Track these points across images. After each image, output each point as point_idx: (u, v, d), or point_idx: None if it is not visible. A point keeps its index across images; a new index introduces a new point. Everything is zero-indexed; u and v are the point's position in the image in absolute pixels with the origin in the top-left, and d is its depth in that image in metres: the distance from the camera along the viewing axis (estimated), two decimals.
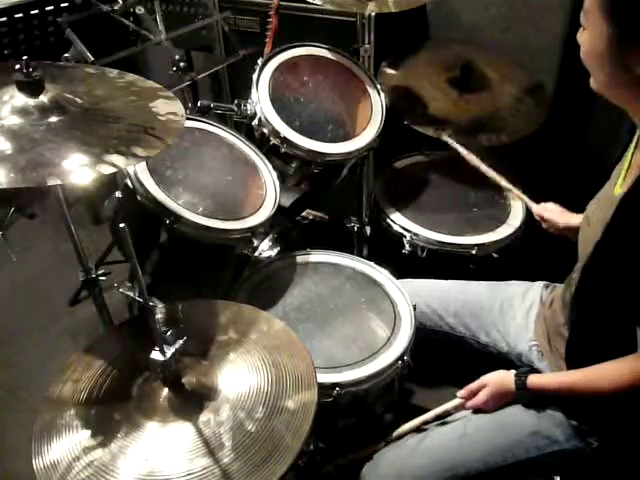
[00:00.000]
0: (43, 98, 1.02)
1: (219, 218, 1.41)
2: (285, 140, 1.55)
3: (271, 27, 1.92)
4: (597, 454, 1.19)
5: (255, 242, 1.51)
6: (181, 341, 1.02)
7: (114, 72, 1.23)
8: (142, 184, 1.35)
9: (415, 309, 1.40)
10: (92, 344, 1.15)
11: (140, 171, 1.37)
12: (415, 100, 1.86)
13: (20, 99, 1.01)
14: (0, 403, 1.95)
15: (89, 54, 1.58)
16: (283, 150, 1.56)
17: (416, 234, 1.65)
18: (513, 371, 1.22)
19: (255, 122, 1.57)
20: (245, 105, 1.59)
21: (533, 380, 1.18)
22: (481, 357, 1.45)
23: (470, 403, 1.26)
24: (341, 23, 1.96)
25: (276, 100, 1.60)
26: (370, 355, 1.30)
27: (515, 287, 1.48)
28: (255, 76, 1.60)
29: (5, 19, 1.65)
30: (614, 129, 1.93)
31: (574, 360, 1.17)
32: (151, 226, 1.39)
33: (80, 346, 1.13)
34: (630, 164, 1.11)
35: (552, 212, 1.52)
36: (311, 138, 1.58)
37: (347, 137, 1.65)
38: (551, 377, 1.21)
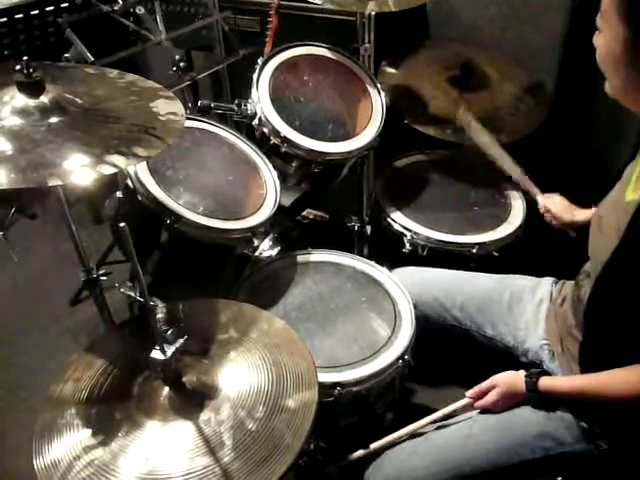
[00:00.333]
0: (43, 99, 1.02)
1: (220, 218, 1.41)
2: (285, 139, 1.55)
3: (271, 27, 1.92)
4: (605, 456, 1.18)
5: (256, 242, 1.52)
6: (182, 340, 1.02)
7: (114, 72, 1.23)
8: (143, 184, 1.36)
9: (416, 307, 1.40)
10: (93, 343, 1.15)
11: (141, 171, 1.37)
12: (415, 99, 1.87)
13: (21, 100, 1.01)
14: (1, 403, 1.95)
15: (89, 54, 1.58)
16: (283, 150, 1.56)
17: (416, 233, 1.65)
18: (523, 372, 1.21)
19: (255, 122, 1.57)
20: (245, 105, 1.60)
21: (544, 382, 1.17)
22: (485, 351, 1.44)
23: (479, 403, 1.25)
24: (341, 22, 1.96)
25: (276, 100, 1.60)
26: (371, 354, 1.30)
27: (524, 281, 1.46)
28: (255, 76, 1.60)
29: (5, 19, 1.65)
30: (614, 128, 1.94)
31: (588, 364, 1.16)
32: (152, 226, 1.39)
33: (81, 345, 1.14)
34: None
35: (558, 205, 1.51)
36: (311, 137, 1.58)
37: (347, 136, 1.65)
38: (562, 380, 1.20)
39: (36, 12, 1.70)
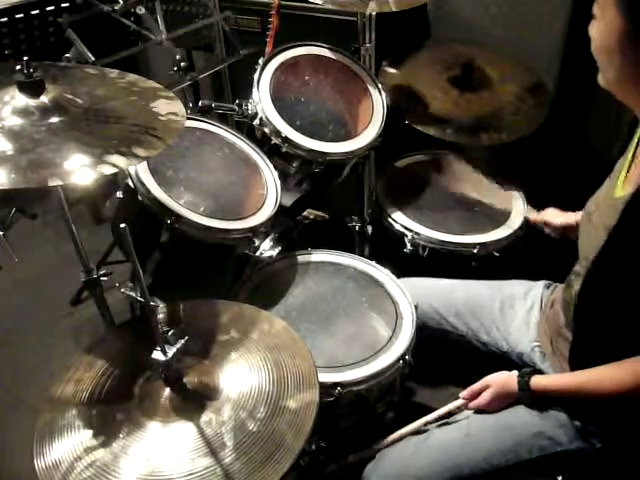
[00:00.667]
0: (44, 98, 1.02)
1: (220, 218, 1.41)
2: (286, 139, 1.55)
3: (272, 27, 1.92)
4: (600, 455, 1.19)
5: (256, 242, 1.51)
6: (182, 341, 1.02)
7: (115, 72, 1.22)
8: (143, 184, 1.36)
9: (417, 309, 1.40)
10: (94, 344, 1.15)
11: (141, 171, 1.37)
12: (416, 99, 1.86)
13: (21, 100, 1.01)
14: (2, 403, 1.95)
15: (90, 54, 1.58)
16: (284, 150, 1.56)
17: (417, 233, 1.65)
18: (516, 372, 1.22)
19: (256, 122, 1.57)
20: (246, 105, 1.60)
21: (536, 381, 1.17)
22: (482, 356, 1.45)
23: (473, 404, 1.26)
24: (342, 22, 1.96)
25: (277, 100, 1.60)
26: (371, 355, 1.30)
27: (516, 287, 1.47)
28: (256, 76, 1.60)
29: (6, 19, 1.65)
30: (614, 128, 1.93)
31: (578, 362, 1.16)
32: (152, 226, 1.39)
33: (82, 346, 1.14)
34: (631, 165, 1.10)
35: (551, 214, 1.54)
36: (312, 137, 1.58)
37: (348, 136, 1.65)
38: (554, 378, 1.21)
39: (36, 12, 1.71)
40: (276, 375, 1.05)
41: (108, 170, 0.93)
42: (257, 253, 1.61)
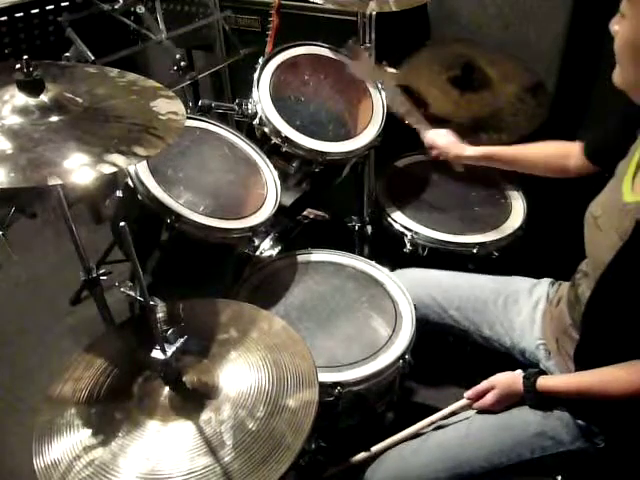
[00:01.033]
0: (44, 97, 1.02)
1: (220, 217, 1.41)
2: (286, 139, 1.55)
3: (272, 26, 1.92)
4: (602, 455, 1.18)
5: (256, 241, 1.51)
6: (182, 340, 1.02)
7: (115, 71, 1.22)
8: (143, 183, 1.36)
9: (416, 308, 1.40)
10: (93, 343, 1.15)
11: (141, 170, 1.37)
12: (416, 99, 1.86)
13: (21, 98, 1.01)
14: (1, 402, 1.95)
15: (90, 53, 1.58)
16: (284, 149, 1.56)
17: (417, 233, 1.65)
18: (520, 372, 1.22)
19: (256, 121, 1.57)
20: (246, 104, 1.60)
21: (542, 382, 1.17)
22: (484, 351, 1.44)
23: (477, 404, 1.25)
24: (342, 22, 1.96)
25: (277, 99, 1.60)
26: (371, 354, 1.30)
27: (521, 282, 1.46)
28: (256, 75, 1.60)
29: (5, 18, 1.65)
30: None
31: (583, 362, 1.16)
32: (152, 225, 1.39)
33: (81, 345, 1.13)
34: (638, 170, 1.09)
35: (443, 138, 1.60)
36: (312, 137, 1.58)
37: (348, 136, 1.65)
38: (560, 379, 1.20)
39: (36, 11, 1.71)
40: (276, 374, 1.05)
41: (108, 169, 0.93)
42: (257, 252, 1.62)
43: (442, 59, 1.97)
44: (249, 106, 1.59)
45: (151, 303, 0.98)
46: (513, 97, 1.89)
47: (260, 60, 1.64)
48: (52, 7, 1.73)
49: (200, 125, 1.60)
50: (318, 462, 1.34)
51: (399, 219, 1.70)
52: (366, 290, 1.48)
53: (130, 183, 1.37)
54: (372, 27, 1.83)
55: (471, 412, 1.27)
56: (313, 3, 1.69)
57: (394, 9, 1.65)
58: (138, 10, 1.72)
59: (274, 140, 1.57)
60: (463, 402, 1.28)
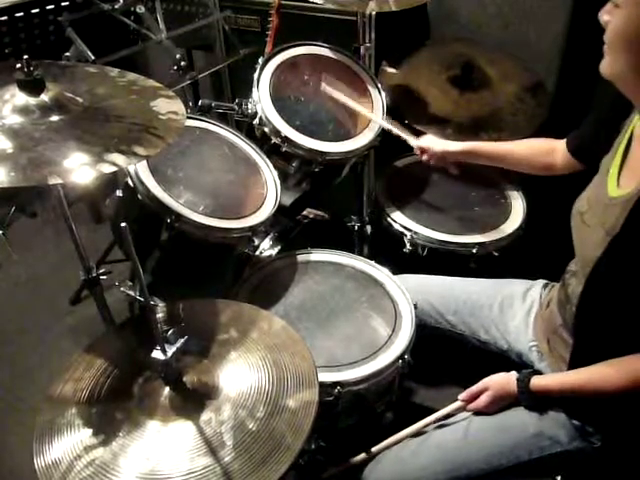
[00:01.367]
0: (44, 97, 1.02)
1: (220, 217, 1.41)
2: (286, 139, 1.55)
3: (272, 26, 1.92)
4: (599, 454, 1.19)
5: (256, 241, 1.51)
6: (182, 340, 1.02)
7: (115, 71, 1.22)
8: (143, 183, 1.35)
9: (416, 307, 1.40)
10: (93, 343, 1.15)
11: (141, 170, 1.37)
12: (416, 99, 1.86)
13: (21, 98, 1.01)
14: (1, 402, 1.95)
15: (90, 53, 1.58)
16: (284, 149, 1.56)
17: (417, 233, 1.65)
18: (514, 373, 1.22)
19: (256, 121, 1.57)
20: (246, 104, 1.60)
21: (535, 382, 1.17)
22: (481, 355, 1.45)
23: (472, 406, 1.25)
24: (342, 22, 1.96)
25: (277, 99, 1.60)
26: (371, 354, 1.30)
27: (516, 286, 1.47)
28: (256, 75, 1.60)
29: (6, 18, 1.65)
30: None
31: (578, 364, 1.16)
32: (152, 225, 1.39)
33: (81, 345, 1.13)
34: (623, 164, 1.09)
35: (430, 140, 1.61)
36: (312, 137, 1.58)
37: (348, 136, 1.65)
38: (553, 378, 1.20)
39: (37, 11, 1.71)
40: (276, 374, 1.05)
41: (108, 169, 0.93)
42: (257, 252, 1.62)
43: (442, 59, 1.97)
44: (249, 106, 1.59)
45: (151, 303, 0.98)
46: (513, 97, 1.90)
47: (260, 60, 1.64)
48: (52, 7, 1.73)
49: (200, 125, 1.60)
50: (318, 462, 1.34)
51: (399, 219, 1.70)
52: (366, 290, 1.48)
53: (130, 183, 1.37)
54: (372, 27, 1.83)
55: (469, 414, 1.27)
56: (313, 3, 1.69)
57: (394, 9, 1.65)
58: (138, 10, 1.72)
59: (274, 140, 1.57)
60: (457, 404, 1.28)
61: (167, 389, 1.02)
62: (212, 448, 0.93)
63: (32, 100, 1.01)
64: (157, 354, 0.99)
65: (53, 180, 0.90)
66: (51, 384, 1.05)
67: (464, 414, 1.28)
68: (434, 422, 1.28)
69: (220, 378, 1.05)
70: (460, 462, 1.20)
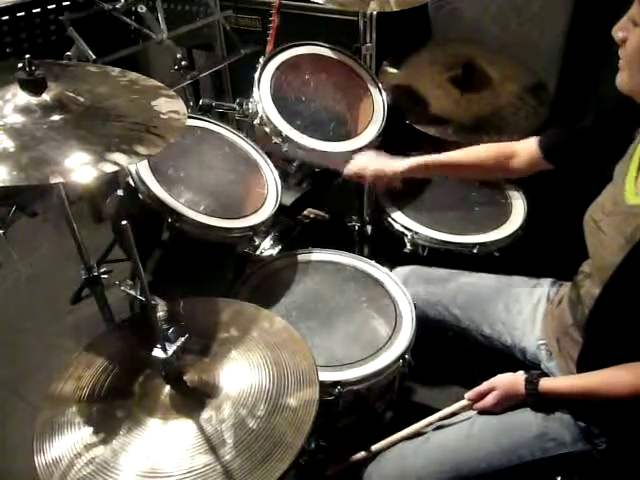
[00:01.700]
0: (45, 96, 1.02)
1: (221, 216, 1.42)
2: (287, 139, 1.55)
3: (273, 26, 1.92)
4: (604, 456, 1.18)
5: (256, 241, 1.52)
6: (183, 339, 1.02)
7: (116, 70, 1.23)
8: (144, 182, 1.36)
9: (416, 307, 1.40)
10: (94, 342, 1.15)
11: (142, 169, 1.38)
12: (416, 99, 1.87)
13: (22, 97, 1.01)
14: (2, 400, 1.95)
15: (91, 52, 1.58)
16: (285, 149, 1.56)
17: (417, 233, 1.65)
18: (521, 373, 1.21)
19: (257, 121, 1.58)
20: (247, 104, 1.60)
21: (544, 384, 1.16)
22: (484, 350, 1.44)
23: (478, 405, 1.24)
24: (343, 22, 1.96)
25: (278, 99, 1.60)
26: (371, 354, 1.30)
27: (522, 282, 1.46)
28: (257, 75, 1.61)
29: (7, 18, 1.66)
30: None
31: (587, 365, 1.15)
32: (153, 224, 1.39)
33: (82, 344, 1.14)
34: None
35: (373, 162, 1.54)
36: (313, 137, 1.59)
37: (349, 136, 1.66)
38: (562, 381, 1.19)
39: (38, 10, 1.71)
40: (276, 373, 1.05)
41: (109, 168, 0.93)
42: (257, 252, 1.62)
43: (443, 59, 1.98)
44: (250, 106, 1.59)
45: (152, 302, 0.98)
46: (514, 97, 1.90)
47: (261, 60, 1.64)
48: (54, 6, 1.73)
49: (201, 124, 1.61)
50: (318, 461, 1.34)
51: (399, 219, 1.70)
52: (366, 290, 1.48)
53: (131, 182, 1.37)
54: (373, 27, 1.83)
55: (472, 413, 1.27)
56: (314, 3, 1.70)
57: (395, 9, 1.66)
58: (139, 9, 1.72)
59: (275, 140, 1.57)
60: (464, 403, 1.27)
61: (168, 387, 1.02)
62: (213, 446, 0.93)
63: (34, 99, 1.01)
64: (158, 352, 0.99)
65: (54, 179, 0.90)
66: (51, 382, 1.05)
67: (467, 414, 1.27)
68: (439, 420, 1.27)
69: (221, 377, 1.05)
70: (462, 461, 1.19)
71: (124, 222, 0.86)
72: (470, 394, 1.26)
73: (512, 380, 1.21)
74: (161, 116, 1.09)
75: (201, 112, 1.66)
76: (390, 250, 1.72)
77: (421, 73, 1.94)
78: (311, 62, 1.73)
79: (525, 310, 1.40)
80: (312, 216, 2.14)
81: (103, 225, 2.50)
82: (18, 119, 0.99)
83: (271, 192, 1.56)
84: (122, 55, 1.66)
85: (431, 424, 1.27)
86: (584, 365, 1.17)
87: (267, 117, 1.55)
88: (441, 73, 1.93)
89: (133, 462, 0.92)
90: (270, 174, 1.59)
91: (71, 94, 1.06)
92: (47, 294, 2.37)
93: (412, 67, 1.96)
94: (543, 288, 1.43)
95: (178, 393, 1.02)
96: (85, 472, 0.91)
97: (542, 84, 1.95)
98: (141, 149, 0.99)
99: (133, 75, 1.21)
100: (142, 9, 1.72)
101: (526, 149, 1.39)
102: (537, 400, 1.17)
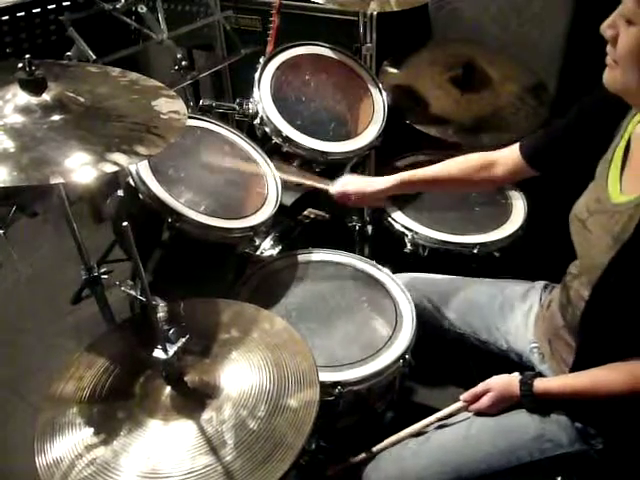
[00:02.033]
0: (46, 96, 1.02)
1: (221, 217, 1.41)
2: (287, 139, 1.55)
3: (273, 26, 1.92)
4: (601, 456, 1.18)
5: (257, 241, 1.52)
6: (183, 339, 1.02)
7: (116, 70, 1.23)
8: (144, 182, 1.36)
9: (416, 307, 1.40)
10: (94, 342, 1.15)
11: (142, 169, 1.37)
12: (417, 99, 1.87)
13: (23, 97, 1.01)
14: (2, 401, 1.95)
15: (91, 52, 1.58)
16: (285, 149, 1.56)
17: (417, 233, 1.65)
18: (517, 375, 1.21)
19: (257, 121, 1.58)
20: (247, 104, 1.60)
21: (539, 385, 1.16)
22: (482, 355, 1.45)
23: (473, 407, 1.25)
24: (343, 22, 1.96)
25: (278, 99, 1.60)
26: (372, 354, 1.30)
27: (516, 287, 1.47)
28: (257, 75, 1.61)
29: (7, 18, 1.66)
30: None
31: (579, 368, 1.15)
32: (153, 225, 1.39)
33: (82, 344, 1.14)
34: (624, 168, 1.08)
35: (351, 184, 1.52)
36: (313, 137, 1.59)
37: (349, 136, 1.66)
38: (556, 381, 1.19)
39: (38, 10, 1.71)
40: (277, 374, 1.05)
41: (109, 168, 0.93)
42: (258, 252, 1.62)
43: (443, 59, 1.98)
44: (250, 106, 1.59)
45: (152, 302, 0.98)
46: (514, 97, 1.90)
47: (261, 60, 1.64)
48: (54, 6, 1.73)
49: (201, 125, 1.60)
50: (319, 461, 1.34)
51: (399, 219, 1.70)
52: (367, 290, 1.48)
53: (131, 182, 1.37)
54: (373, 27, 1.83)
55: (470, 414, 1.27)
56: (314, 3, 1.70)
57: (395, 9, 1.66)
58: (139, 10, 1.72)
59: (275, 140, 1.57)
60: (459, 404, 1.27)
61: (168, 388, 1.02)
62: (213, 447, 0.93)
63: (34, 100, 1.01)
64: (158, 353, 0.99)
65: (55, 179, 0.90)
66: (52, 383, 1.05)
67: (465, 415, 1.27)
68: (435, 422, 1.27)
69: (221, 377, 1.05)
70: (461, 463, 1.20)
71: (124, 222, 0.86)
72: (465, 396, 1.26)
73: (507, 381, 1.22)
74: (161, 116, 1.09)
75: (201, 112, 1.66)
76: (390, 250, 1.71)
77: (421, 73, 1.94)
78: (311, 62, 1.73)
79: (518, 314, 1.41)
80: (312, 216, 2.14)
81: (103, 225, 2.49)
82: (18, 119, 0.99)
83: (271, 192, 1.55)
84: (122, 55, 1.66)
85: (428, 425, 1.27)
86: (577, 366, 1.17)
87: (267, 117, 1.55)
88: (441, 73, 1.93)
89: (134, 463, 0.92)
90: (270, 174, 1.59)
91: (71, 94, 1.06)
92: (47, 294, 2.37)
93: (412, 67, 1.96)
94: (535, 293, 1.43)
95: (179, 394, 1.02)
96: (86, 473, 0.91)
97: (542, 84, 1.95)
98: (141, 149, 0.99)
99: (133, 75, 1.21)
100: (142, 9, 1.72)
101: (509, 157, 1.38)
102: (532, 401, 1.18)
